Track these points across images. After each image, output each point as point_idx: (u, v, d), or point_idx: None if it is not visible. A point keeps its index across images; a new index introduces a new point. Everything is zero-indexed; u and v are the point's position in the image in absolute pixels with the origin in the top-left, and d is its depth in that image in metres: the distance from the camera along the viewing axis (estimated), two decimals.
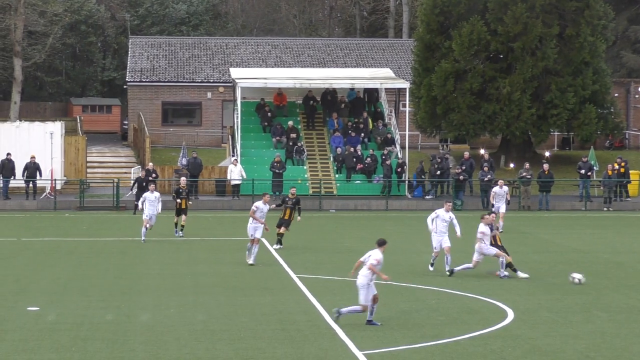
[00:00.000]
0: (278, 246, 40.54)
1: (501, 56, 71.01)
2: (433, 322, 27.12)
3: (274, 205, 40.62)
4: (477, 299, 30.48)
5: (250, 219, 36.70)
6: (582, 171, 61.91)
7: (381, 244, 26.29)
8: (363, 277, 25.85)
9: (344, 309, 26.05)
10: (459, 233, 34.83)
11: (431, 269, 34.95)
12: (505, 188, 48.75)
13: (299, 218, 41.36)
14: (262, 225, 36.57)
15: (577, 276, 32.46)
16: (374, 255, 25.93)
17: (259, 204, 37.03)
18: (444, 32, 71.71)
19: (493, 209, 46.04)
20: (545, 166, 60.69)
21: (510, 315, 28.02)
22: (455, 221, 34.71)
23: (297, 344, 24.21)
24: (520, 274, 34.06)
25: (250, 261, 36.37)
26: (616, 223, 53.89)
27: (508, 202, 48.49)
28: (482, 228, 33.19)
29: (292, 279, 33.97)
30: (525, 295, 31.22)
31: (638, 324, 27.08)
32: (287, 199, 41.47)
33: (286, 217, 40.86)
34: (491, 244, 33.65)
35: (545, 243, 44.51)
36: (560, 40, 70.38)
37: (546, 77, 70.19)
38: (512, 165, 68.20)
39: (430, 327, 26.45)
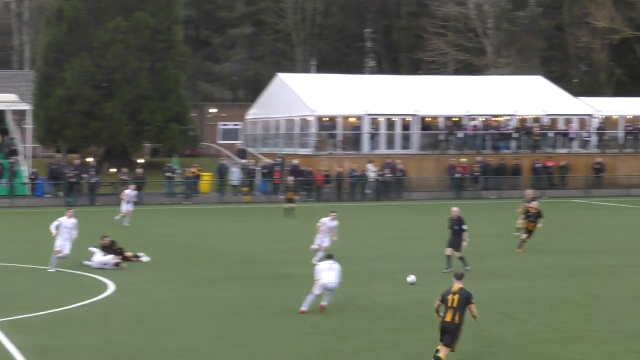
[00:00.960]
0: None
1: (105, 85, 70.74)
2: (52, 295, 27.05)
3: None
4: (84, 275, 30.61)
5: None
6: (168, 174, 62.69)
7: None
8: None
9: None
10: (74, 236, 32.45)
11: (53, 270, 31.35)
12: (134, 192, 48.50)
13: None
14: None
15: (411, 279, 28.64)
16: None
17: None
18: (58, 64, 70.57)
19: (124, 209, 46.32)
20: (139, 170, 61.16)
21: (112, 287, 28.35)
22: (75, 226, 32.20)
23: None
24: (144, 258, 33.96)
25: None
26: (195, 213, 54.51)
27: (130, 202, 47.93)
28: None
29: None
30: (126, 272, 31.53)
31: (215, 291, 28.06)
32: None
33: None
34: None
35: (144, 231, 44.23)
36: (151, 72, 70.99)
37: (140, 101, 70.58)
38: (113, 170, 67.98)
39: (48, 298, 26.44)
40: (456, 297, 18.74)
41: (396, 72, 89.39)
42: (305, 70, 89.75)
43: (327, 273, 24.19)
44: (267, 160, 66.23)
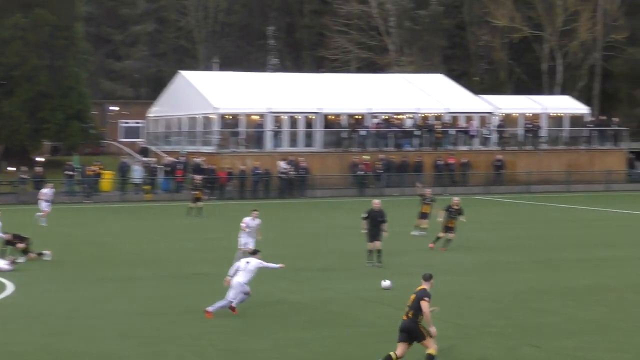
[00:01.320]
0: None
1: (4, 82, 69.50)
2: None
3: None
4: None
5: None
6: (68, 172, 61.74)
7: None
8: None
9: None
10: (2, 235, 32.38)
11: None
12: (51, 190, 47.55)
13: None
14: None
15: (386, 283, 27.41)
16: None
17: None
18: None
19: (44, 208, 45.47)
20: (39, 168, 60.13)
21: (11, 287, 27.80)
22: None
23: None
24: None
25: None
26: (96, 212, 53.79)
27: (49, 201, 46.86)
28: None
29: None
30: (26, 272, 30.80)
31: (118, 290, 27.71)
32: None
33: None
34: None
35: (44, 229, 43.25)
36: (52, 70, 70.00)
37: (40, 99, 69.58)
38: (12, 168, 66.73)
39: None
40: (413, 296, 18.83)
41: (299, 70, 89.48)
42: (208, 67, 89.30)
43: (239, 274, 23.87)
44: (170, 159, 65.69)
